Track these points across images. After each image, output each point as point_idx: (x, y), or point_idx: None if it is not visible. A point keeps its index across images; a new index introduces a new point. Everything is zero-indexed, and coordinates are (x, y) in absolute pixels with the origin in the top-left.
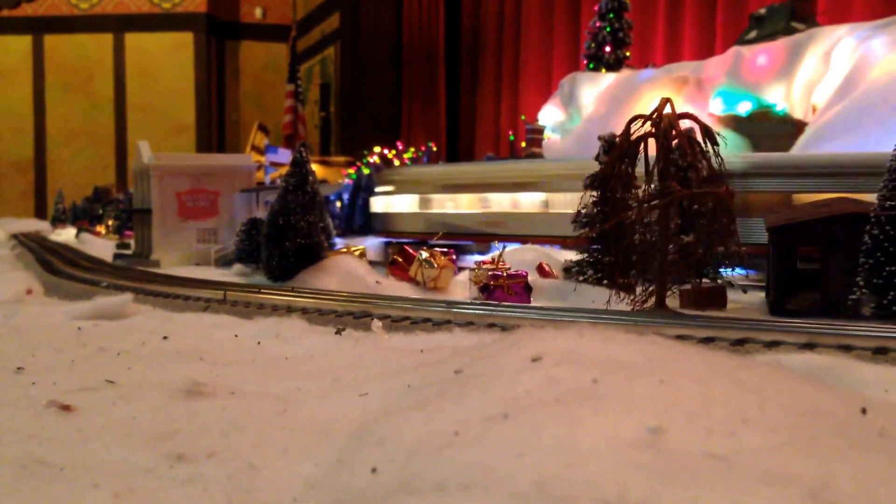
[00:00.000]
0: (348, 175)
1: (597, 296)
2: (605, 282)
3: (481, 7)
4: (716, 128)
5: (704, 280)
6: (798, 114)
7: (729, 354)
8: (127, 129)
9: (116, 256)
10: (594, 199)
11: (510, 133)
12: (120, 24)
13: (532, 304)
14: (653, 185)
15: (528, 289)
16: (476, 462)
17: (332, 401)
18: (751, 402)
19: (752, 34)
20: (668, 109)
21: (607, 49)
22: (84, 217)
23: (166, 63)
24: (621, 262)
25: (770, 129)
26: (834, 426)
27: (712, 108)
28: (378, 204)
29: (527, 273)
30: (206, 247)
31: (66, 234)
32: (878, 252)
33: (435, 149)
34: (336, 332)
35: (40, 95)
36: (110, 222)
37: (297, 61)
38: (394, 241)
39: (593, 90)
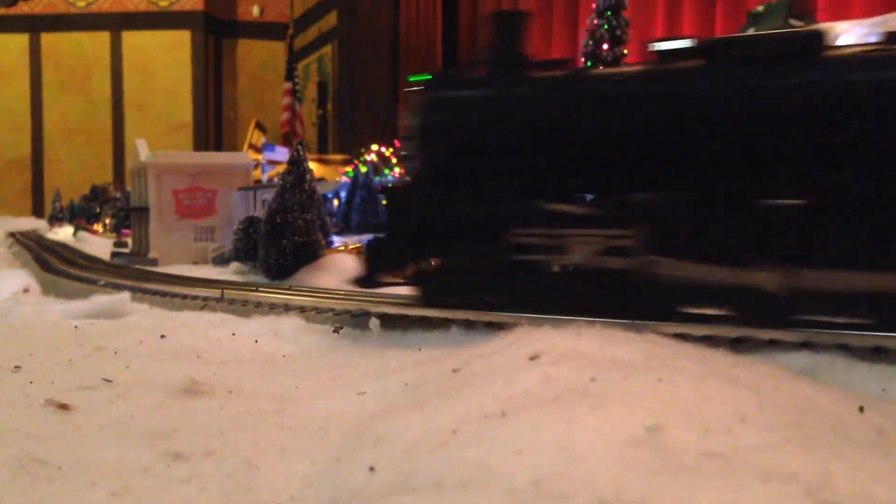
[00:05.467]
0: (346, 173)
1: None
2: None
3: (479, 5)
4: None
5: None
6: None
7: (727, 353)
8: (124, 128)
9: (114, 255)
10: None
11: None
12: (117, 23)
13: None
14: None
15: None
16: (474, 460)
17: (330, 399)
18: (748, 400)
19: (750, 31)
20: None
21: (605, 47)
22: (81, 215)
23: (164, 61)
24: None
25: None
26: (831, 424)
27: None
28: None
29: None
30: (204, 245)
31: (64, 233)
32: None
33: None
34: (334, 331)
35: (37, 94)
36: (108, 220)
37: (295, 59)
38: None
39: None
